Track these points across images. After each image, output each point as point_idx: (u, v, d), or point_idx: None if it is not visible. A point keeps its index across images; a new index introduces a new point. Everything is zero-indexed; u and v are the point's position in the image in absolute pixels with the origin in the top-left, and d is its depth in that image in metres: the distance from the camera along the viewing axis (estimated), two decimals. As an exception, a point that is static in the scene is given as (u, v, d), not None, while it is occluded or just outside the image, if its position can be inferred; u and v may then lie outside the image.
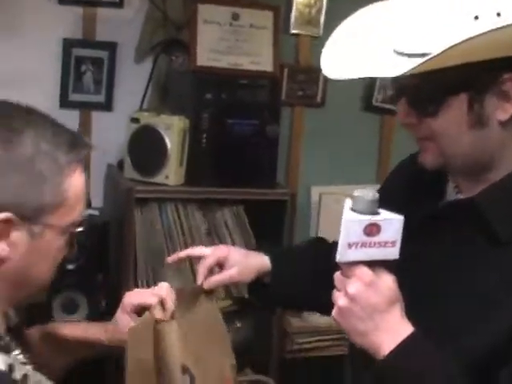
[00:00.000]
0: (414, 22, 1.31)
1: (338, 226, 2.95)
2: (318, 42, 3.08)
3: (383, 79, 3.00)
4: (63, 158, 1.21)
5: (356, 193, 1.32)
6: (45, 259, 1.24)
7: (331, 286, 1.38)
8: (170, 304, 1.51)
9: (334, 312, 1.32)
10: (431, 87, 1.29)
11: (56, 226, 1.22)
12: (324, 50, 1.44)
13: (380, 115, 3.26)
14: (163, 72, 2.90)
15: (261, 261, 1.74)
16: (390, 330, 1.29)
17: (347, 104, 3.19)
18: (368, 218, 1.30)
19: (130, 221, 2.51)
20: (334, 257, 1.51)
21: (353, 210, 1.32)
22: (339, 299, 1.30)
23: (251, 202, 2.68)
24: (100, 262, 2.49)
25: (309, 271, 1.77)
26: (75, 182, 1.24)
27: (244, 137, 2.62)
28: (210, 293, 1.67)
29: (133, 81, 2.91)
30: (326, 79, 3.09)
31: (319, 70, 3.06)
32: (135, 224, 2.53)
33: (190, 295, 1.66)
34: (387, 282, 1.30)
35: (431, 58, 1.18)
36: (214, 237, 2.66)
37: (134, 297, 1.56)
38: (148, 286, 2.54)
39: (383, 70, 1.29)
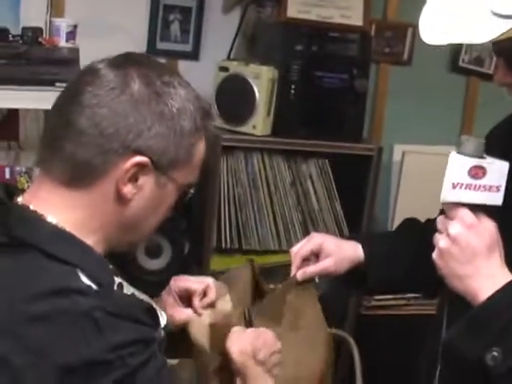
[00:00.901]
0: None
1: (420, 185, 2.93)
2: (407, -1, 3.04)
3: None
4: (199, 121, 1.26)
5: (463, 137, 1.33)
6: (158, 211, 1.28)
7: (429, 265, 1.38)
8: (212, 294, 1.58)
9: (434, 254, 1.33)
10: None
11: (177, 182, 1.26)
12: (422, 13, 1.43)
13: (466, 76, 3.21)
14: (251, 22, 2.90)
15: (354, 250, 1.72)
16: (489, 276, 1.29)
17: (433, 63, 3.14)
18: (474, 160, 1.30)
19: (216, 168, 2.52)
20: (429, 236, 1.52)
21: (459, 152, 1.32)
22: (440, 241, 1.31)
23: (336, 156, 2.67)
24: (185, 208, 2.51)
25: (403, 253, 1.76)
26: (202, 146, 1.29)
27: (332, 90, 2.61)
28: (303, 283, 1.69)
29: (220, 31, 2.91)
30: (414, 37, 3.09)
31: (407, 26, 3.04)
32: (220, 172, 2.55)
33: (282, 288, 1.70)
34: (489, 227, 1.30)
35: None
36: (297, 188, 2.66)
37: (181, 281, 1.61)
38: (231, 233, 2.57)
39: (477, 35, 1.29)
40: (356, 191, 2.68)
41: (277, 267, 2.56)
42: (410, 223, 1.88)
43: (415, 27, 2.93)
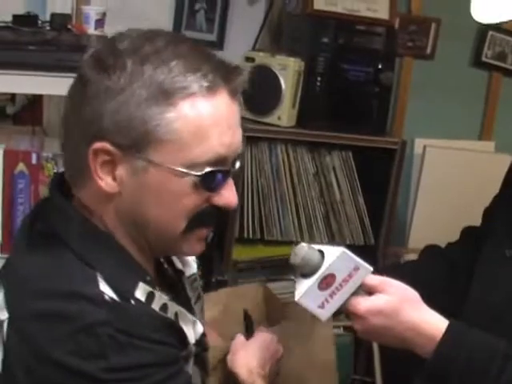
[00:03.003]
0: None
1: (441, 179, 2.91)
2: (432, -8, 3.05)
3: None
4: (170, 84, 1.08)
5: (291, 260, 1.35)
6: (158, 200, 1.13)
7: (447, 295, 1.40)
8: None
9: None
10: None
11: (162, 166, 1.10)
12: None
13: (488, 71, 3.21)
14: (276, 13, 2.90)
15: None
16: (409, 337, 1.36)
17: (456, 58, 3.15)
18: (316, 277, 1.33)
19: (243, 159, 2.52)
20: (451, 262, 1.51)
21: (301, 275, 1.35)
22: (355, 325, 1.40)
23: (360, 149, 2.68)
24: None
25: (423, 285, 1.79)
26: (191, 114, 1.09)
27: (358, 83, 2.61)
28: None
29: (245, 21, 2.92)
30: (437, 31, 3.09)
31: (431, 21, 3.05)
32: (244, 162, 2.55)
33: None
34: (378, 305, 1.36)
35: None
36: (320, 180, 2.67)
37: None
38: (253, 223, 2.58)
39: None
40: (378, 184, 2.69)
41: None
42: (429, 252, 1.89)
43: (439, 21, 2.95)
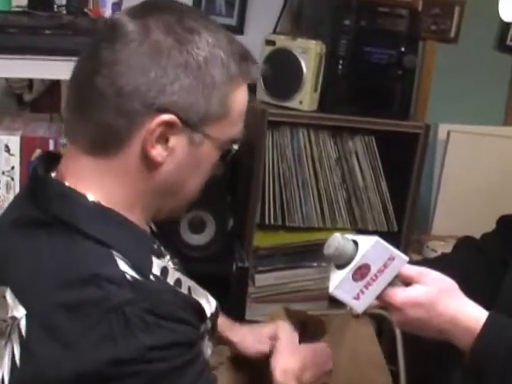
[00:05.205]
0: None
1: (465, 165, 2.88)
2: (456, -25, 2.99)
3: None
4: (234, 68, 1.17)
5: (325, 251, 1.32)
6: (197, 172, 1.21)
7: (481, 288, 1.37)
8: None
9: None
10: None
11: (215, 139, 1.18)
12: None
13: (512, 56, 3.16)
14: (297, -4, 2.86)
15: None
16: (449, 329, 1.32)
17: (480, 41, 3.10)
18: (349, 268, 1.30)
19: (261, 143, 2.48)
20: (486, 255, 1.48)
21: (336, 266, 1.32)
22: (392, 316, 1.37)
23: (382, 133, 2.62)
24: (229, 182, 2.48)
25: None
26: (240, 96, 1.20)
27: (381, 66, 2.56)
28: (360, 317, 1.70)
29: (265, 4, 2.88)
30: (461, 14, 3.03)
31: (454, 4, 2.99)
32: (266, 147, 2.51)
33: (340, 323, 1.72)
34: (415, 296, 1.32)
35: None
36: (343, 166, 2.62)
37: None
38: (274, 209, 2.53)
39: None
40: (402, 169, 2.63)
41: (320, 245, 2.52)
42: (465, 245, 1.84)
43: (463, 4, 2.90)
